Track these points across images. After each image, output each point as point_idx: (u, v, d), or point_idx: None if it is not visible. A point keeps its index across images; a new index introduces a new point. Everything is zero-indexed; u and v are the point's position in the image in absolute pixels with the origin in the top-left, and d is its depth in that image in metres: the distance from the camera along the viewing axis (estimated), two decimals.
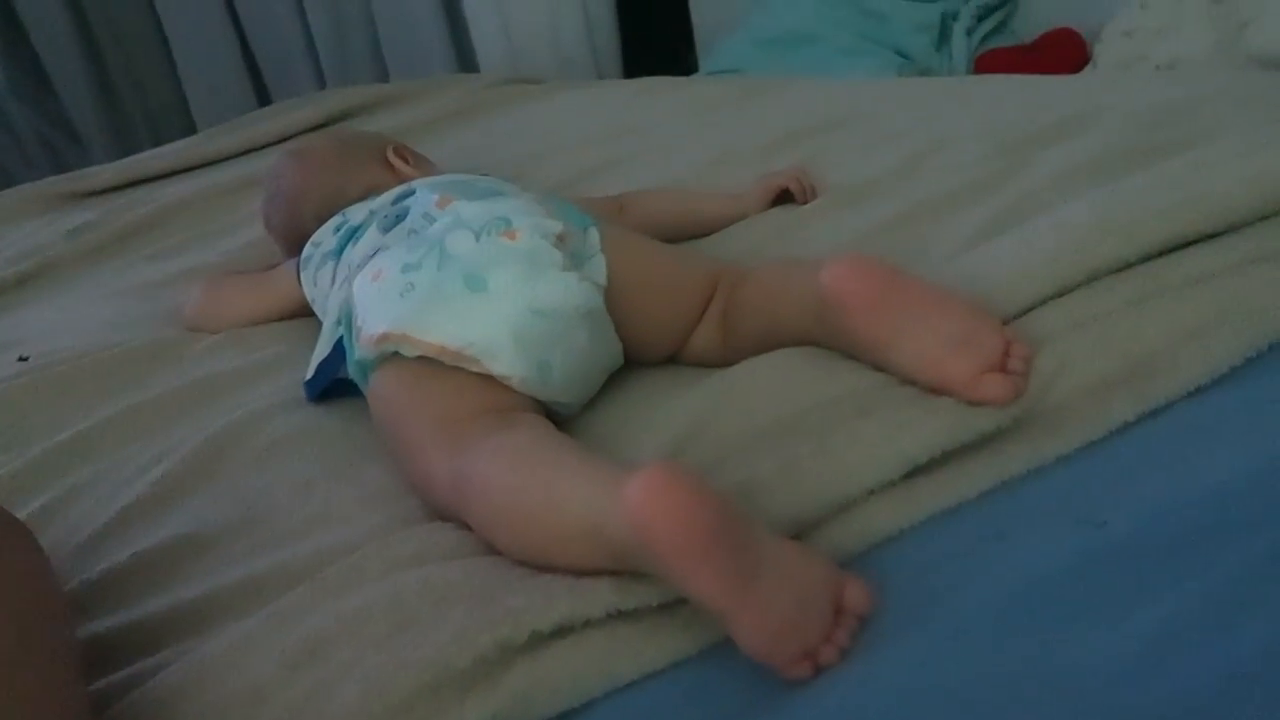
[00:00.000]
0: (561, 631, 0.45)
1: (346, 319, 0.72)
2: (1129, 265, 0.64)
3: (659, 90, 1.37)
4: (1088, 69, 1.43)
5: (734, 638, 0.44)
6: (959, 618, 0.45)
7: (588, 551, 0.48)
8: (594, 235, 0.73)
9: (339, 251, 0.81)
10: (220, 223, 1.19)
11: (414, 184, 0.82)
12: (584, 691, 0.44)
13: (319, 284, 0.84)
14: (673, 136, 1.16)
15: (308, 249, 0.87)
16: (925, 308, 0.58)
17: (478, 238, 0.69)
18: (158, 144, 1.87)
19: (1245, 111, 0.84)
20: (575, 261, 0.69)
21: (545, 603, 0.46)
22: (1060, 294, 0.63)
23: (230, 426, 0.72)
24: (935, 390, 0.57)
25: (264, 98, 2.36)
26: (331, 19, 2.18)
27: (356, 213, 0.84)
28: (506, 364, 0.63)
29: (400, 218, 0.78)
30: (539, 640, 0.45)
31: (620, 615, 0.46)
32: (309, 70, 2.27)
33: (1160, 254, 0.65)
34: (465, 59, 2.09)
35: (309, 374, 0.75)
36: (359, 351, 0.68)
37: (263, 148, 1.44)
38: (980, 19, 1.63)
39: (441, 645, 0.44)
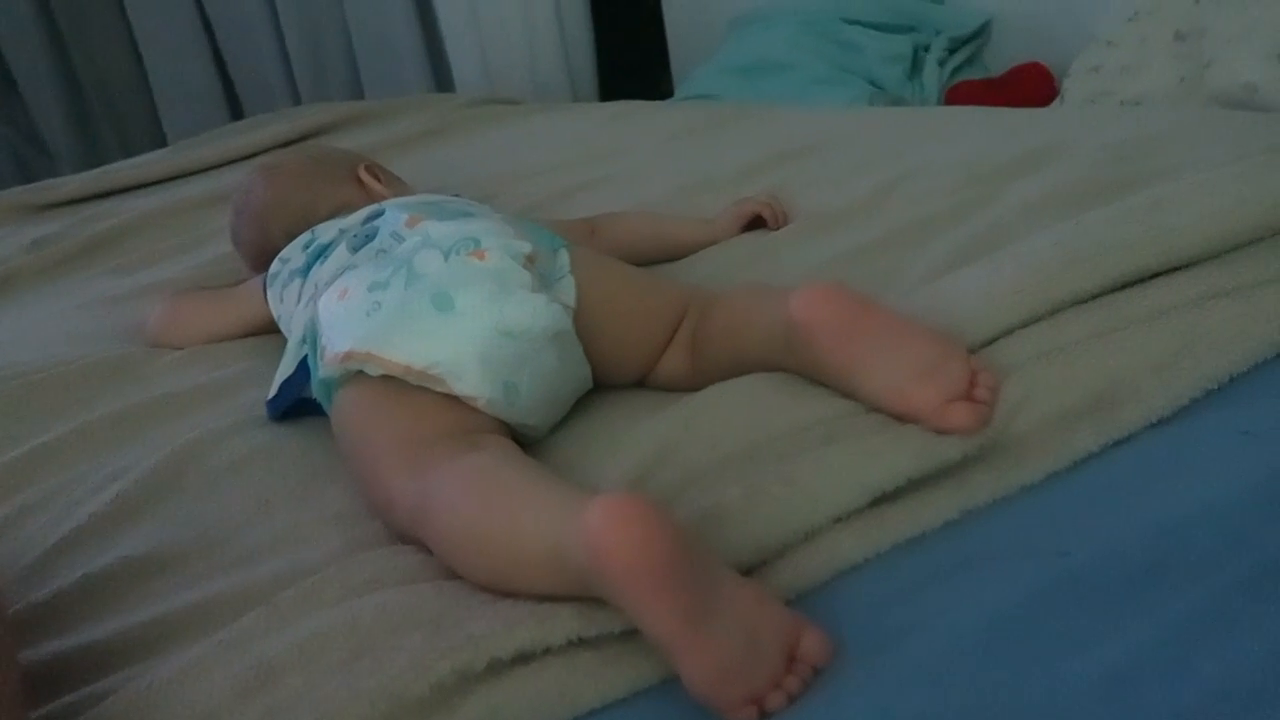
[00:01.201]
0: (522, 658, 0.44)
1: (311, 337, 0.71)
2: (1093, 297, 0.65)
3: (634, 115, 1.38)
4: (1055, 103, 1.45)
5: (680, 675, 0.44)
6: (924, 650, 0.44)
7: (547, 577, 0.47)
8: (564, 257, 0.73)
9: (307, 269, 0.80)
10: (187, 237, 1.17)
11: (384, 204, 0.82)
12: (545, 718, 0.43)
13: (285, 301, 0.83)
14: (646, 161, 1.17)
15: (275, 265, 0.86)
16: (893, 336, 0.58)
17: (446, 257, 0.69)
18: (128, 156, 1.85)
19: (1206, 147, 0.85)
20: (544, 283, 0.69)
21: (506, 629, 0.45)
22: (1025, 324, 0.64)
23: (189, 445, 0.70)
24: (902, 418, 0.57)
25: (238, 113, 2.35)
26: (307, 36, 2.17)
27: (326, 231, 0.83)
28: (473, 385, 0.63)
29: (370, 237, 0.77)
30: (499, 667, 0.44)
31: (582, 642, 0.45)
32: (284, 87, 2.26)
33: (1123, 287, 0.66)
34: (442, 78, 2.09)
35: (271, 392, 0.74)
36: (323, 370, 0.67)
37: (233, 162, 1.43)
38: (951, 51, 1.65)
39: (398, 672, 0.43)
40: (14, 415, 0.79)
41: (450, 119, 1.48)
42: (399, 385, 0.63)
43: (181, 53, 2.28)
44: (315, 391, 0.70)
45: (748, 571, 0.51)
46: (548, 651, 0.45)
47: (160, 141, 2.30)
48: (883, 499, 0.53)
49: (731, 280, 0.84)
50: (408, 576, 0.53)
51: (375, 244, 0.76)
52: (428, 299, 0.65)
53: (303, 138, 1.50)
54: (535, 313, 0.66)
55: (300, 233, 0.86)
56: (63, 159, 2.37)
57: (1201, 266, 0.66)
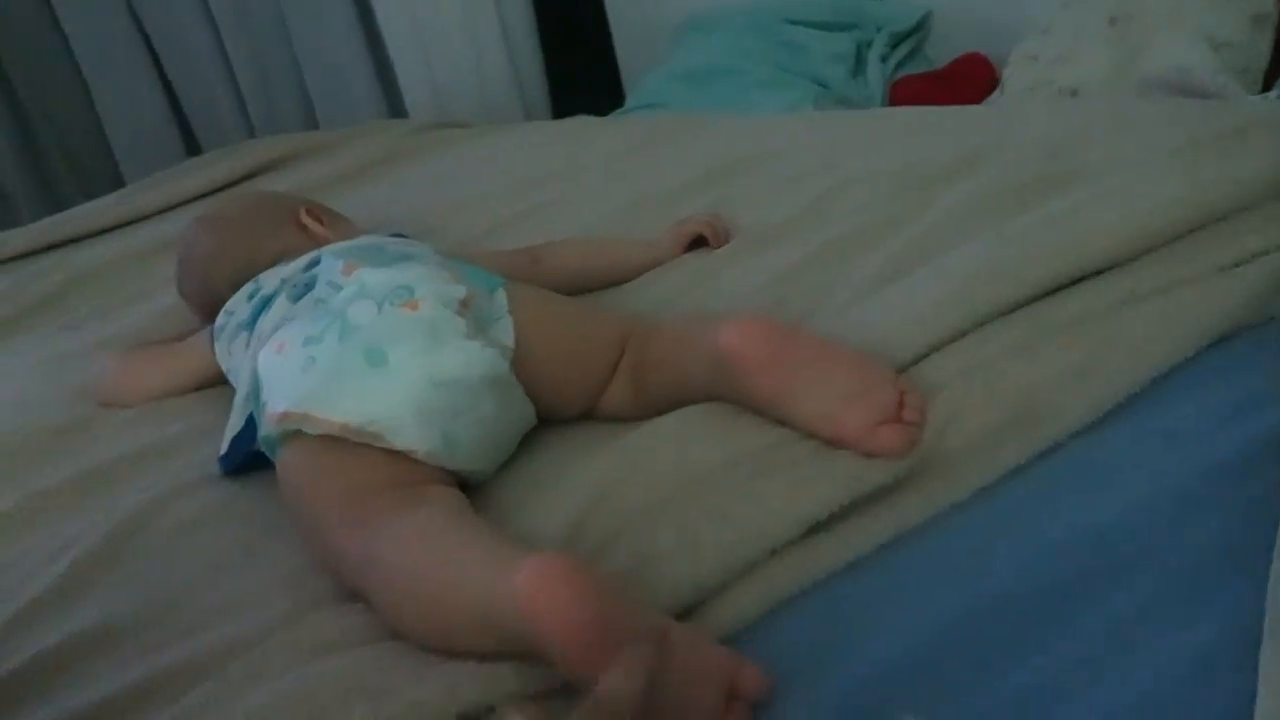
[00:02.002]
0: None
1: (254, 392, 0.71)
2: (1015, 309, 0.66)
3: (579, 134, 1.38)
4: (996, 93, 1.47)
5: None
6: (848, 681, 0.45)
7: (484, 637, 0.48)
8: (501, 297, 0.73)
9: (252, 321, 0.80)
10: (137, 288, 1.17)
11: (322, 251, 0.82)
12: None
13: (233, 354, 0.83)
14: (590, 183, 1.17)
15: (221, 317, 0.86)
16: (820, 363, 0.60)
17: (379, 308, 0.69)
18: (83, 194, 1.83)
19: (1135, 140, 0.87)
20: (480, 326, 0.70)
21: (448, 692, 0.46)
22: (951, 340, 0.65)
23: (138, 510, 0.70)
24: (833, 443, 0.58)
25: (194, 147, 2.33)
26: (256, 67, 2.16)
27: (269, 280, 0.84)
28: (411, 439, 0.63)
29: (309, 286, 0.77)
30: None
31: (530, 699, 0.46)
32: (238, 119, 2.25)
33: (1044, 295, 0.67)
34: (394, 102, 2.09)
35: (223, 449, 0.75)
36: (263, 428, 0.67)
37: (183, 204, 1.42)
38: (894, 46, 1.66)
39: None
40: None
41: (399, 146, 1.48)
42: (340, 441, 0.63)
43: (132, 89, 2.27)
44: (261, 445, 0.70)
45: (688, 611, 0.52)
46: (491, 713, 0.46)
47: (116, 178, 2.29)
48: (817, 527, 0.54)
49: (673, 305, 0.85)
50: (355, 639, 0.53)
51: (314, 293, 0.76)
52: (360, 354, 0.65)
53: (252, 174, 1.49)
54: (469, 361, 0.66)
55: (244, 281, 0.86)
56: (17, 200, 2.35)
57: (1120, 270, 0.68)
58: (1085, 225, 0.69)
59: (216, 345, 0.86)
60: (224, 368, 0.85)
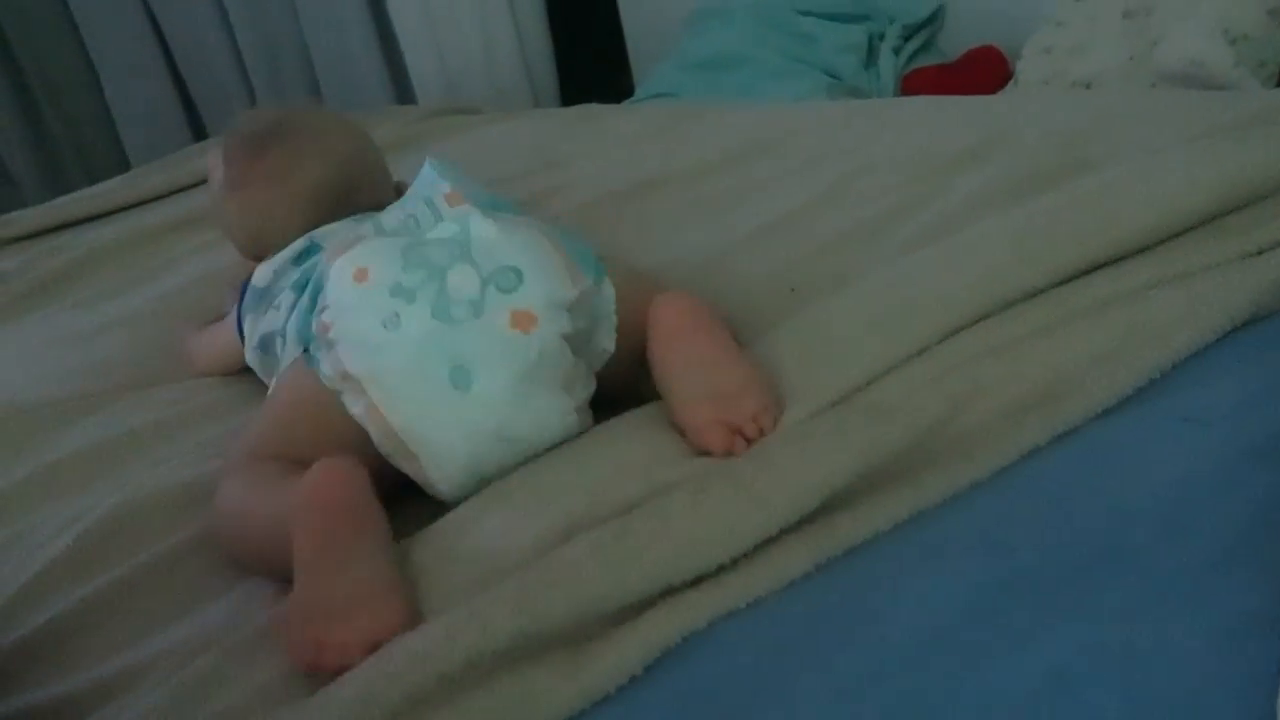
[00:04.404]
0: (472, 673, 0.45)
1: (313, 289, 0.66)
2: (1041, 292, 0.66)
3: (591, 118, 1.38)
4: (1010, 86, 1.46)
5: (291, 598, 0.50)
6: (874, 654, 0.45)
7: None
8: (608, 290, 0.66)
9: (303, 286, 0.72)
10: (146, 268, 1.16)
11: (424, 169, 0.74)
12: None
13: (259, 330, 0.75)
14: (610, 163, 1.17)
15: (266, 274, 0.77)
16: (713, 356, 0.62)
17: (483, 293, 0.61)
18: (91, 180, 1.83)
19: (1151, 130, 0.86)
20: (579, 369, 0.63)
21: (448, 639, 0.45)
22: (978, 321, 0.65)
23: (148, 483, 0.70)
24: (679, 429, 0.60)
25: (200, 133, 2.33)
26: (265, 53, 2.16)
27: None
28: (445, 479, 0.60)
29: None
30: (451, 685, 0.44)
31: (531, 660, 0.46)
32: (245, 105, 2.25)
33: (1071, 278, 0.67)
34: (402, 90, 2.08)
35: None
36: (314, 345, 0.64)
37: (190, 187, 1.42)
38: (906, 38, 1.66)
39: (348, 705, 0.43)
40: None
41: (408, 132, 1.47)
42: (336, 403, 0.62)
43: (139, 74, 2.26)
44: (291, 330, 0.68)
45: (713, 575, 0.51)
46: (500, 667, 0.45)
47: (122, 164, 2.28)
48: (836, 504, 0.53)
49: (689, 286, 0.84)
50: None
51: (408, 207, 0.68)
52: (446, 367, 0.59)
53: None
54: (545, 426, 0.61)
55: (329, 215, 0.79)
56: (25, 187, 2.34)
57: (1146, 254, 0.67)
58: (1112, 209, 0.68)
59: (247, 320, 0.78)
60: (250, 345, 0.77)
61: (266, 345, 0.75)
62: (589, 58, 2.06)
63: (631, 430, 0.63)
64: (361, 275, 0.63)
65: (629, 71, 2.05)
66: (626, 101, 1.75)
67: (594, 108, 1.48)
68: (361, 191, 0.83)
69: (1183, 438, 0.55)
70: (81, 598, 0.60)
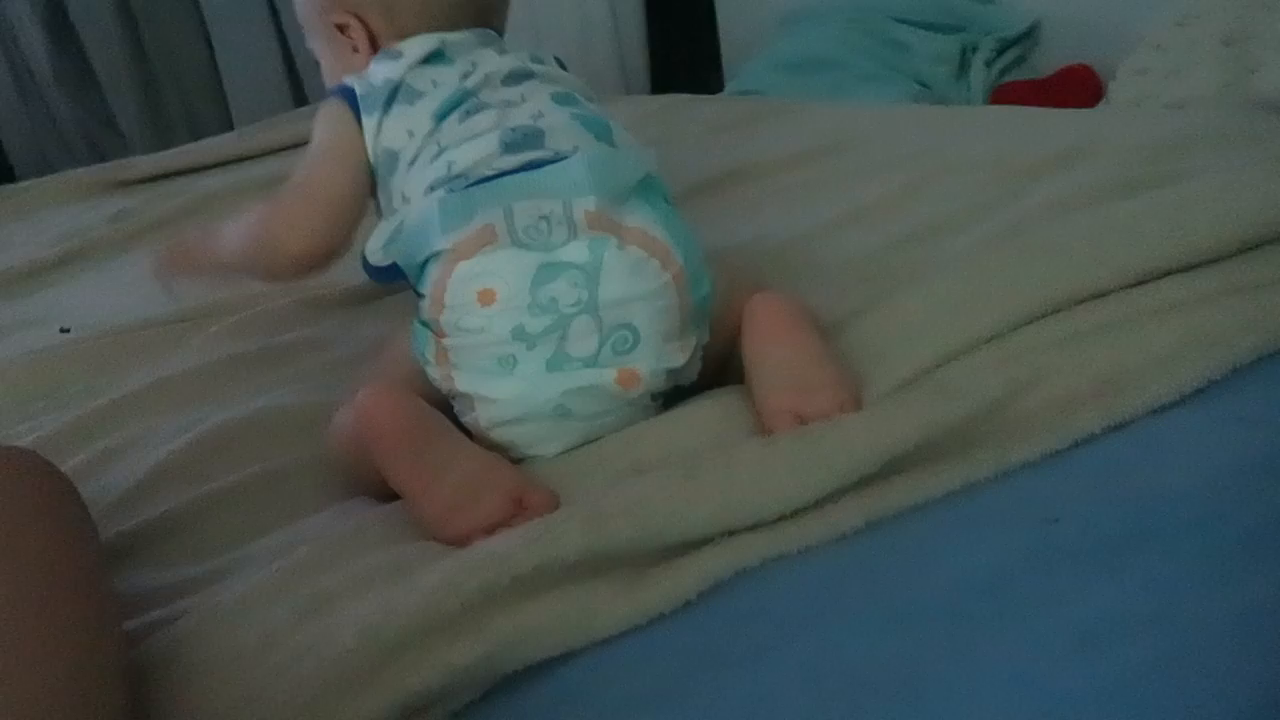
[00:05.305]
0: (543, 579, 0.49)
1: (422, 266, 0.64)
2: (1112, 292, 0.68)
3: (679, 108, 1.42)
4: (1100, 105, 1.46)
5: (416, 519, 0.56)
6: (915, 599, 0.48)
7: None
8: (706, 288, 0.65)
9: (442, 115, 0.69)
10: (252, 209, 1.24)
11: (543, 104, 0.70)
12: (565, 640, 0.48)
13: (386, 131, 0.71)
14: (689, 152, 1.21)
15: (399, 69, 0.72)
16: (804, 353, 0.63)
17: (598, 353, 0.62)
18: (195, 139, 1.93)
19: (1239, 150, 0.87)
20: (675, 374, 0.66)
21: (524, 546, 0.50)
22: (1046, 314, 0.67)
23: (254, 405, 0.76)
24: (760, 416, 0.61)
25: (302, 101, 2.43)
26: None
27: (454, 69, 0.73)
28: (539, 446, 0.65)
29: (530, 165, 0.64)
30: (523, 587, 0.48)
31: (597, 575, 0.50)
32: None
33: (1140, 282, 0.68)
34: None
35: (375, 259, 0.69)
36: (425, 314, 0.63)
37: (294, 146, 1.49)
38: (1000, 52, 1.66)
39: (430, 590, 0.48)
40: (95, 371, 0.86)
41: None
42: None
43: (251, 42, 2.37)
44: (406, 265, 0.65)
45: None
46: (567, 577, 0.49)
47: (227, 126, 2.39)
48: (892, 469, 0.57)
49: (762, 269, 0.88)
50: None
51: (536, 204, 0.61)
52: (550, 407, 0.62)
53: None
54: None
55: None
56: (134, 141, 2.47)
57: (1218, 264, 0.69)
58: (1188, 219, 0.70)
59: (367, 120, 0.71)
60: (375, 158, 0.71)
61: (384, 162, 0.72)
62: (682, 52, 2.10)
63: (712, 403, 0.66)
64: (488, 298, 0.60)
65: (720, 68, 2.08)
66: (712, 96, 1.79)
67: (683, 97, 1.52)
68: (496, 11, 0.83)
69: (1232, 436, 0.57)
70: (194, 497, 0.66)
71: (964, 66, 1.65)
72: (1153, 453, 0.56)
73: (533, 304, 0.60)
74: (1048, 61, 1.66)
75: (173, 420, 0.77)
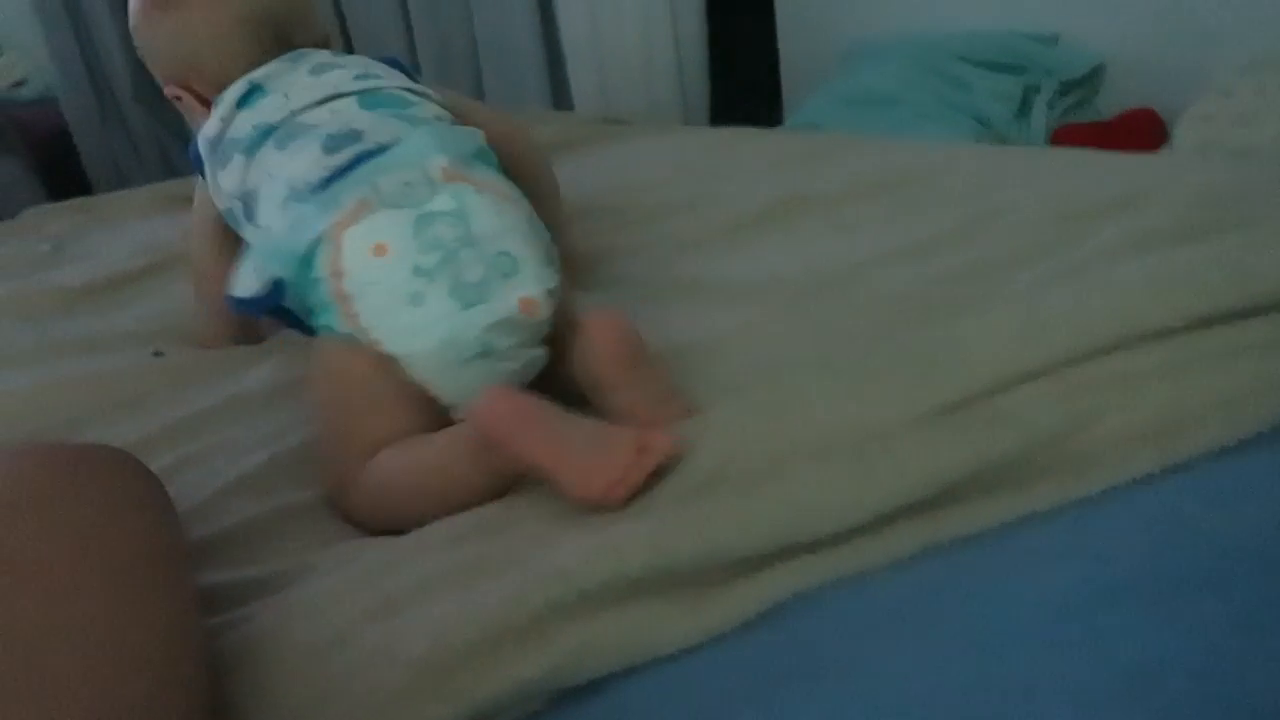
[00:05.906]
0: (609, 595, 0.51)
1: (307, 258, 0.70)
2: (1173, 333, 0.68)
3: (738, 140, 1.44)
4: (1164, 150, 1.46)
5: (559, 490, 0.59)
6: (969, 632, 0.49)
7: (472, 474, 0.64)
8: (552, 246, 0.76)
9: (253, 147, 0.77)
10: None
11: (408, 132, 0.77)
12: (628, 656, 0.50)
13: (227, 181, 0.79)
14: (746, 182, 1.22)
15: (216, 125, 0.80)
16: (650, 369, 0.69)
17: (486, 277, 0.70)
18: None
19: None
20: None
21: (587, 562, 0.52)
22: (1107, 351, 0.67)
23: None
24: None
25: None
26: (435, 39, 2.26)
27: (270, 102, 0.79)
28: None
29: (375, 152, 0.74)
30: (589, 601, 0.50)
31: (661, 595, 0.52)
32: None
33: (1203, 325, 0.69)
34: (559, 91, 2.18)
35: (240, 293, 0.75)
36: (326, 297, 0.71)
37: None
38: (1062, 94, 1.66)
39: (499, 603, 0.50)
40: (179, 384, 0.90)
41: (570, 136, 1.56)
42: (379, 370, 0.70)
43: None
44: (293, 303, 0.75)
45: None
46: (630, 594, 0.51)
47: None
48: (948, 498, 0.58)
49: (811, 298, 0.89)
50: (499, 527, 0.61)
51: (396, 175, 0.71)
52: (478, 346, 0.70)
53: None
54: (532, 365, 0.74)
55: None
56: None
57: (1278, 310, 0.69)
58: (1251, 265, 0.70)
59: (207, 174, 0.82)
60: (223, 204, 0.82)
61: (231, 213, 0.81)
62: (743, 84, 2.13)
63: None
64: (381, 250, 0.69)
65: (780, 101, 2.10)
66: (772, 129, 1.81)
67: (743, 130, 1.54)
68: (296, 27, 0.85)
69: None
70: (273, 507, 0.69)
71: (1025, 107, 1.65)
72: (1210, 499, 0.57)
73: (420, 245, 0.69)
74: (1111, 104, 1.65)
75: (250, 433, 0.80)
